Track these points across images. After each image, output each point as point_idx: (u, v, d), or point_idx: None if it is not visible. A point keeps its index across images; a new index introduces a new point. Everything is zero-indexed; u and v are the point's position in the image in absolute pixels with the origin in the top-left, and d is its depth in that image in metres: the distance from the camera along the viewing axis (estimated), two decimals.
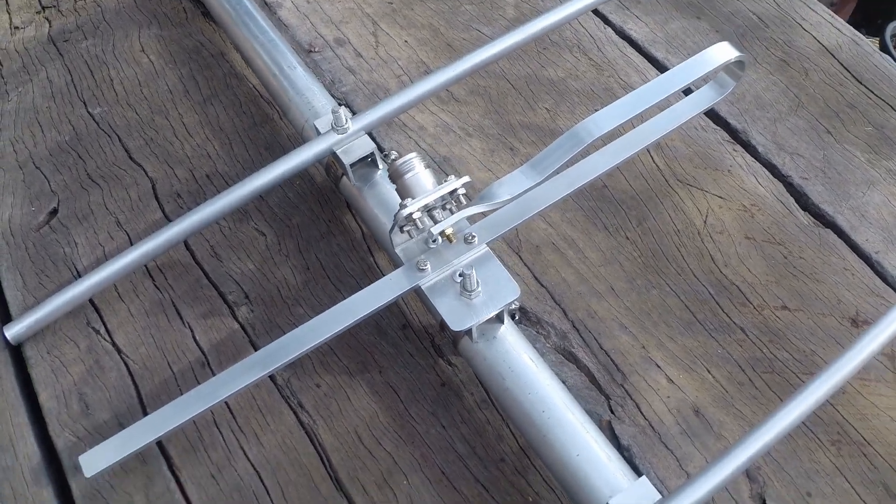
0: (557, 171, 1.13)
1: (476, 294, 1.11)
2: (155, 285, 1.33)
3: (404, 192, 1.14)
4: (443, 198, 1.11)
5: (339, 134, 1.26)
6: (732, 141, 1.54)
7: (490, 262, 1.14)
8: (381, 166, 1.30)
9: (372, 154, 1.27)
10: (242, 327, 1.28)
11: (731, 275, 1.34)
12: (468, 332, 1.11)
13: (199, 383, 1.22)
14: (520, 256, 1.35)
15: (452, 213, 1.13)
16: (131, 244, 1.36)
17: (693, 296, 1.32)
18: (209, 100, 1.57)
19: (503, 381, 1.11)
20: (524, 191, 1.11)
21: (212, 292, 1.32)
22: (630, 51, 1.68)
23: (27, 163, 1.50)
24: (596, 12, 1.76)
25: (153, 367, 1.25)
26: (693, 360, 1.25)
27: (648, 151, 1.50)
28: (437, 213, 1.11)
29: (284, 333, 1.13)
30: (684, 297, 1.32)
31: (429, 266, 1.13)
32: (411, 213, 1.09)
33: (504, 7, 1.74)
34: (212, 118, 1.54)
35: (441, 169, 1.45)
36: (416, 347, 1.26)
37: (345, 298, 1.14)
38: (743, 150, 1.53)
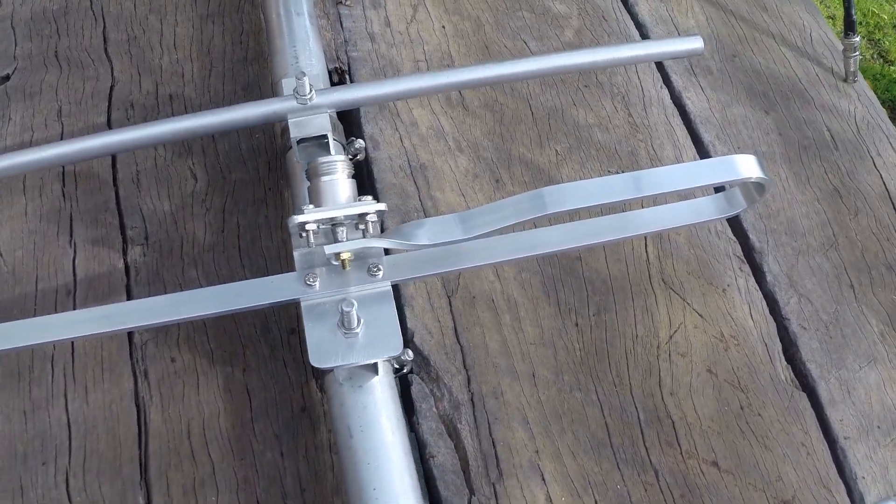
0: (501, 232, 0.94)
1: (352, 334, 0.93)
2: (63, 191, 1.19)
3: (313, 196, 0.96)
4: (351, 217, 0.93)
5: (298, 102, 1.09)
6: (743, 258, 1.32)
7: (385, 304, 0.96)
8: (333, 152, 1.12)
9: (325, 138, 1.09)
10: (126, 269, 1.13)
11: (672, 406, 1.14)
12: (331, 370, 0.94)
13: (56, 311, 1.08)
14: (449, 301, 1.16)
15: (364, 236, 0.95)
16: (61, 139, 1.21)
17: (618, 414, 1.12)
18: (213, 17, 1.41)
19: (349, 438, 0.93)
20: (444, 242, 0.92)
21: (114, 220, 1.17)
22: (677, 121, 1.46)
23: (5, 18, 1.37)
24: (661, 67, 1.54)
25: (20, 275, 1.11)
26: (585, 487, 1.05)
27: (645, 237, 1.30)
28: (342, 232, 0.93)
29: (164, 293, 0.98)
30: (608, 412, 1.12)
31: (317, 284, 0.96)
32: (305, 224, 0.91)
33: (564, 28, 1.53)
34: (205, 37, 1.38)
35: (412, 177, 1.26)
36: (293, 359, 1.09)
37: (243, 279, 0.99)
38: (749, 273, 1.31)
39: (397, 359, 1.02)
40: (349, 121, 1.33)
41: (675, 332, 1.21)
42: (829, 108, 1.55)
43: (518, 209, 0.90)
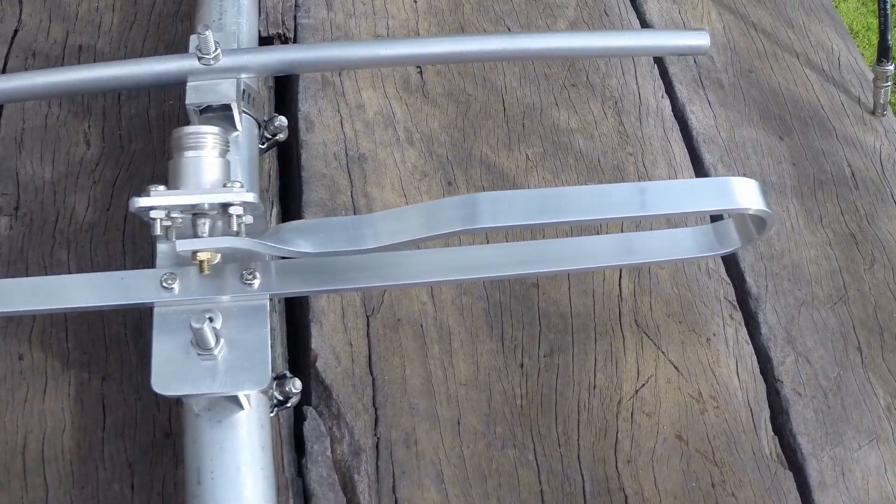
0: (415, 245, 0.72)
1: (209, 356, 0.72)
2: None
3: (170, 176, 0.74)
4: (212, 207, 0.71)
5: (200, 63, 0.87)
6: (735, 304, 1.10)
7: (257, 323, 0.74)
8: (240, 129, 0.90)
9: (228, 109, 0.88)
10: None
11: (627, 476, 0.92)
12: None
13: None
14: (368, 322, 0.94)
15: (238, 234, 0.73)
16: None
17: (559, 481, 0.90)
18: None
19: (196, 484, 0.72)
20: (329, 253, 0.71)
21: None
22: (676, 136, 1.24)
23: None
24: (664, 74, 1.31)
25: None
26: None
27: (621, 269, 1.08)
28: (204, 225, 0.72)
29: (25, 276, 0.77)
30: (547, 477, 0.90)
31: (176, 287, 0.74)
32: (148, 209, 0.69)
33: (558, 17, 1.31)
34: None
35: (347, 168, 1.05)
36: None
37: (123, 269, 0.78)
38: (741, 322, 1.09)
39: (281, 390, 0.81)
40: (288, 97, 1.12)
41: (643, 385, 0.99)
42: (851, 142, 1.32)
43: (438, 219, 0.68)
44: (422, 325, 0.95)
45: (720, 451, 0.97)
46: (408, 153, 1.08)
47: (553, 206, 0.71)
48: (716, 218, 1.14)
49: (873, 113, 1.37)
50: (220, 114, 0.89)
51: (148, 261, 0.92)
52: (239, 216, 0.70)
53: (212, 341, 0.71)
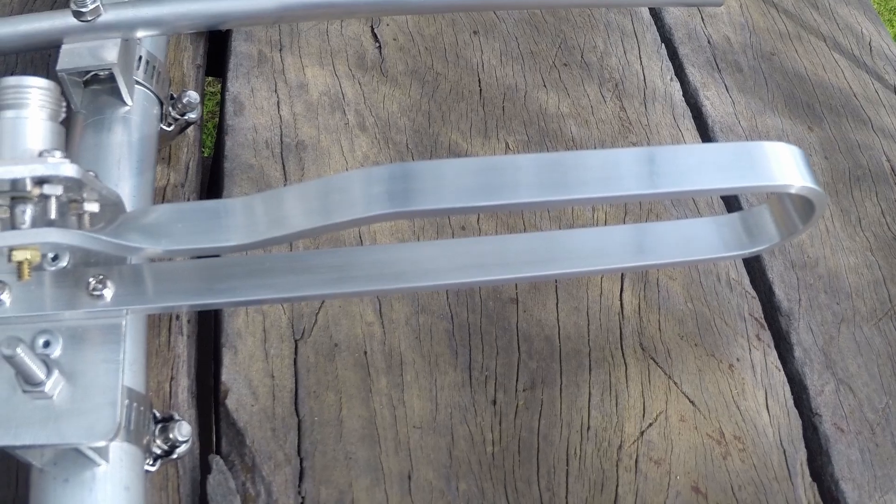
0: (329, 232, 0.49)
1: (40, 395, 0.49)
2: None
3: None
4: (32, 187, 0.48)
5: (79, 21, 0.65)
6: (763, 323, 0.87)
7: (107, 349, 0.51)
8: (130, 103, 0.68)
9: (110, 74, 0.65)
10: None
11: None
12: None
13: None
14: (296, 347, 0.71)
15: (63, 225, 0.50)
16: None
17: None
18: None
19: None
20: (186, 250, 0.48)
21: None
22: (688, 124, 1.01)
23: None
24: (673, 56, 1.09)
25: None
26: None
27: (622, 278, 0.85)
28: (23, 214, 0.49)
29: None
30: None
31: (6, 300, 0.51)
32: None
33: None
34: None
35: (281, 158, 0.82)
36: None
37: None
38: (770, 344, 0.85)
39: (165, 437, 0.58)
40: (219, 77, 0.90)
41: (650, 425, 0.76)
42: (889, 134, 1.09)
43: (352, 198, 0.45)
44: (366, 352, 0.72)
45: None
46: (358, 140, 0.85)
47: (510, 181, 0.47)
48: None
49: None
50: (107, 86, 0.67)
51: None
52: (60, 198, 0.47)
53: (40, 374, 0.48)
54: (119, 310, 0.51)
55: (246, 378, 0.68)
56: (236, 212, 0.47)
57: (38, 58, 0.85)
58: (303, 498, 0.64)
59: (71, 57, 0.65)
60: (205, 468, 0.66)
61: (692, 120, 1.02)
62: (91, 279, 0.51)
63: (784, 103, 1.08)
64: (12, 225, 0.47)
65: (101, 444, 0.49)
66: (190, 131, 0.80)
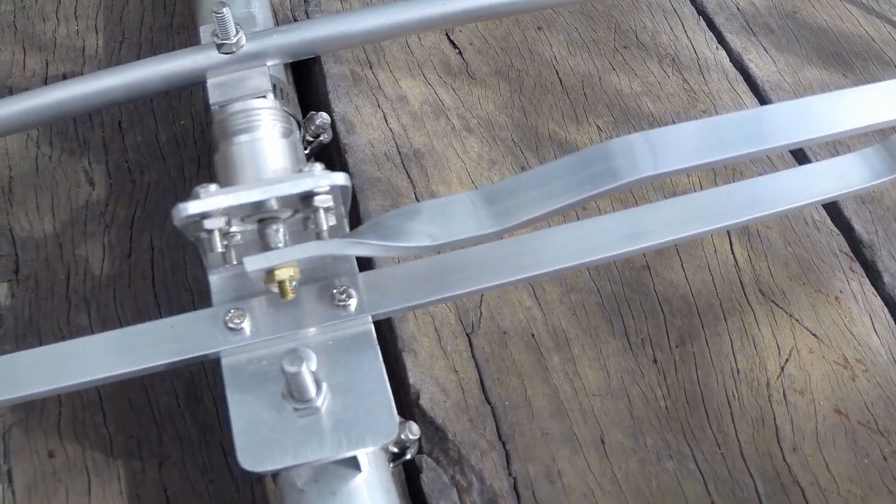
0: (550, 218, 0.51)
1: (309, 410, 0.50)
2: None
3: (219, 171, 0.53)
4: (289, 205, 0.49)
5: (221, 52, 0.66)
6: (852, 255, 0.90)
7: (366, 355, 0.52)
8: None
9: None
10: None
11: (798, 468, 0.71)
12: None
13: None
14: (470, 341, 0.73)
15: (318, 238, 0.51)
16: None
17: (729, 488, 0.69)
18: None
19: None
20: (465, 238, 0.50)
21: None
22: (743, 87, 1.05)
23: None
24: (712, 26, 1.13)
25: None
26: None
27: (728, 234, 0.88)
28: (276, 233, 0.50)
29: (38, 344, 0.56)
30: (715, 486, 0.69)
31: (247, 326, 0.52)
32: (201, 217, 0.47)
33: None
34: (116, 1, 0.95)
35: (404, 168, 0.84)
36: None
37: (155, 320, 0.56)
38: (862, 274, 0.89)
39: (395, 439, 0.59)
40: (314, 101, 0.92)
41: (787, 360, 0.79)
42: None
43: (595, 173, 0.47)
44: (533, 335, 0.74)
45: (882, 419, 0.77)
46: (468, 142, 0.87)
47: (717, 140, 0.50)
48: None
49: None
50: None
51: (189, 309, 0.71)
52: (328, 209, 0.48)
53: (312, 389, 0.49)
54: (364, 317, 0.53)
55: (432, 377, 0.69)
56: (475, 203, 0.48)
57: (142, 104, 0.85)
58: (514, 479, 0.66)
59: (222, 90, 0.66)
60: (411, 470, 0.67)
61: (744, 83, 1.05)
62: (334, 291, 0.52)
63: (817, 56, 1.13)
64: (264, 246, 0.48)
65: (386, 444, 0.50)
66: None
